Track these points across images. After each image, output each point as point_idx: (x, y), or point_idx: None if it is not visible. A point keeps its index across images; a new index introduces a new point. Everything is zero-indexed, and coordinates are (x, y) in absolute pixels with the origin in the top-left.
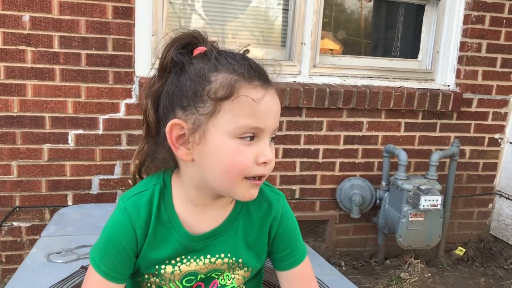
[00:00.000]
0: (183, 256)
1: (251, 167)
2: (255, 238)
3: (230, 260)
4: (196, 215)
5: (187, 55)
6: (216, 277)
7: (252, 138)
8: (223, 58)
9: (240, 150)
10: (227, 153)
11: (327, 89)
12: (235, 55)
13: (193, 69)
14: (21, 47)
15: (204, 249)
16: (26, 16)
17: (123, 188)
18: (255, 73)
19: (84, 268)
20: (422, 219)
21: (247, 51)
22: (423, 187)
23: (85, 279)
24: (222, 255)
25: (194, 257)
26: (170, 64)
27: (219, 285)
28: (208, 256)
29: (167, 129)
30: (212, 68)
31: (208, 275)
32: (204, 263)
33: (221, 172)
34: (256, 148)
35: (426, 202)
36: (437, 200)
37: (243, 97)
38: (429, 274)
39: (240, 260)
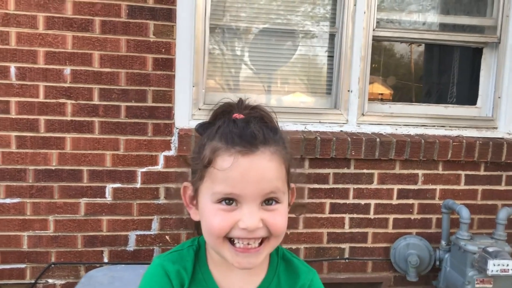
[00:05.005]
0: None
1: (227, 230)
2: None
3: None
4: (225, 275)
5: (207, 125)
6: None
7: (231, 202)
8: (224, 125)
9: (217, 214)
10: (207, 216)
11: (377, 139)
12: (236, 121)
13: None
14: (62, 100)
15: None
16: (67, 70)
17: (160, 244)
18: (237, 139)
19: None
20: (491, 286)
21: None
22: (490, 249)
23: None
24: None
25: None
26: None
27: None
28: None
29: (181, 190)
30: (211, 136)
31: None
32: None
33: (205, 233)
34: (239, 213)
35: (495, 267)
36: (508, 265)
37: (217, 165)
38: None
39: None
